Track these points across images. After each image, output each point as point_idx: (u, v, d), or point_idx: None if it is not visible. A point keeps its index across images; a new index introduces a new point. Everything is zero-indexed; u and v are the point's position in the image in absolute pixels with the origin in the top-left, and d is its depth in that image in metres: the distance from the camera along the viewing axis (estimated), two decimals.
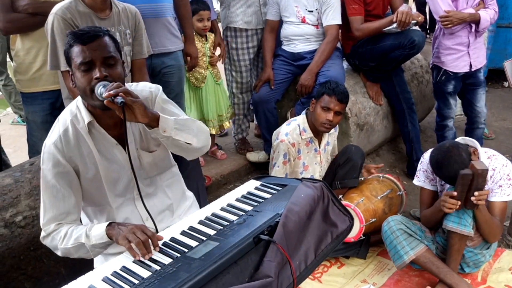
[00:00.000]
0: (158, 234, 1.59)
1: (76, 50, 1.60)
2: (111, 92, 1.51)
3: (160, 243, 1.55)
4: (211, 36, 3.67)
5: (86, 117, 1.70)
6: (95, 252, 1.68)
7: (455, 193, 2.33)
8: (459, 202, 2.34)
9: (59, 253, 1.72)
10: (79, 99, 1.74)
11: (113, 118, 1.71)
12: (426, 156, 2.73)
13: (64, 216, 1.71)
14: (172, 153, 1.97)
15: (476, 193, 2.28)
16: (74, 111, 1.73)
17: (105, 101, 1.52)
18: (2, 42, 4.76)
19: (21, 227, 2.17)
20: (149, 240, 1.52)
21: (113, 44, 1.66)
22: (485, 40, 4.27)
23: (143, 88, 1.83)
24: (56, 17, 2.29)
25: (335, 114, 2.80)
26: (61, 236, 1.68)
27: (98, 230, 1.64)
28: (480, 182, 2.27)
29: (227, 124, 3.91)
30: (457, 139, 2.64)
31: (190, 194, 2.11)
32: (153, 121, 1.63)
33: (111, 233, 1.61)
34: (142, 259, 1.49)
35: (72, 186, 1.72)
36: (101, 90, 1.55)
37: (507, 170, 2.50)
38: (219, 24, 3.90)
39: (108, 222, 1.66)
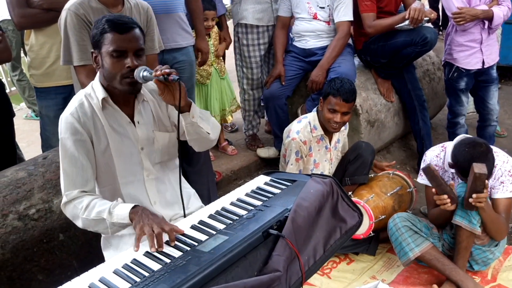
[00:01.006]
0: (178, 227, 1.61)
1: (110, 37, 1.70)
2: (166, 70, 1.63)
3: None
4: (214, 29, 3.68)
5: (101, 93, 1.78)
6: (114, 229, 1.72)
7: (434, 190, 2.39)
8: (446, 196, 2.36)
9: (79, 224, 1.76)
10: (94, 82, 1.84)
11: (127, 98, 1.84)
12: (428, 155, 2.73)
13: (84, 183, 1.77)
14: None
15: (474, 196, 2.27)
16: (89, 91, 1.83)
17: (154, 79, 1.64)
18: (16, 37, 4.81)
19: (34, 219, 2.20)
20: (162, 234, 1.54)
21: (142, 37, 1.77)
22: (498, 37, 4.22)
23: None
24: (69, 13, 2.31)
25: (342, 114, 2.79)
26: (83, 206, 1.72)
27: (122, 210, 1.68)
28: (478, 185, 2.26)
29: (230, 118, 3.95)
30: (459, 137, 2.62)
31: (190, 189, 2.15)
32: (187, 106, 1.76)
33: (133, 217, 1.65)
34: (150, 251, 1.51)
35: (89, 156, 1.79)
36: (144, 73, 1.67)
37: (508, 167, 2.49)
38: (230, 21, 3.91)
39: (133, 205, 1.69)
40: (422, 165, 2.74)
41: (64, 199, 1.77)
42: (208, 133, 1.86)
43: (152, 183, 1.93)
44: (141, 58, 1.74)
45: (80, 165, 1.76)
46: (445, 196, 2.36)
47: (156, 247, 1.51)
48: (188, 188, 2.15)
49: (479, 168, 2.24)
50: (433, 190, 2.39)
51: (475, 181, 2.25)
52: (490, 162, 2.36)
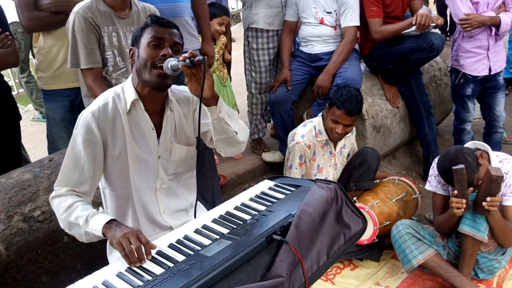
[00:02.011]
0: (152, 242, 1.56)
1: (151, 28, 1.73)
2: (193, 52, 1.60)
3: (154, 251, 1.53)
4: (222, 39, 3.69)
5: (131, 95, 1.76)
6: (87, 238, 1.67)
7: (455, 192, 2.34)
8: (464, 201, 2.33)
9: (59, 222, 1.73)
10: (125, 82, 1.82)
11: (154, 104, 1.81)
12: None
13: (77, 184, 1.74)
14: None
15: (488, 199, 2.27)
16: (118, 91, 1.81)
17: (180, 65, 1.61)
18: (25, 40, 4.84)
19: (39, 221, 2.21)
20: (141, 248, 1.50)
21: (181, 38, 1.78)
22: (506, 44, 4.20)
23: (185, 89, 1.91)
24: (77, 16, 2.33)
25: (345, 126, 2.80)
26: (65, 206, 1.68)
27: (97, 223, 1.62)
28: (493, 188, 2.25)
29: None
30: (468, 144, 2.63)
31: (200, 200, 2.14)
32: (214, 99, 1.70)
33: (106, 232, 1.60)
34: (132, 265, 1.47)
35: (95, 159, 1.76)
36: (172, 62, 1.65)
37: None
38: (238, 24, 3.92)
39: (108, 219, 1.62)
40: (431, 171, 2.74)
41: (52, 193, 1.75)
42: (236, 133, 1.79)
43: (163, 192, 1.91)
44: (177, 55, 1.71)
45: (80, 165, 1.73)
46: (464, 201, 2.34)
47: (139, 261, 1.47)
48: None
49: (495, 171, 2.23)
50: (455, 191, 2.36)
51: (491, 183, 2.24)
52: (468, 169, 2.35)
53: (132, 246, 1.49)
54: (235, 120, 1.82)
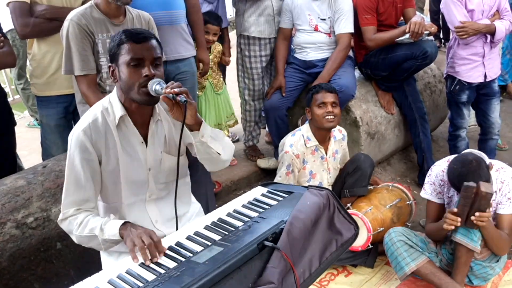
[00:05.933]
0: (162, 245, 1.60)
1: (128, 47, 1.69)
2: (176, 90, 1.61)
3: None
4: (217, 47, 3.68)
5: (119, 110, 1.76)
6: (106, 245, 1.72)
7: (455, 210, 2.33)
8: (459, 219, 2.32)
9: (74, 239, 1.77)
10: (111, 95, 1.81)
11: (142, 117, 1.81)
12: (434, 169, 2.71)
13: (83, 202, 1.76)
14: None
15: (476, 214, 2.26)
16: (106, 105, 1.80)
17: (161, 96, 1.63)
18: (24, 47, 4.84)
19: (32, 228, 2.21)
20: (153, 245, 1.54)
21: (159, 47, 1.76)
22: (500, 51, 4.23)
23: None
24: (72, 23, 2.34)
25: (332, 106, 2.83)
26: (78, 223, 1.72)
27: (112, 227, 1.67)
28: (482, 204, 2.24)
29: (226, 132, 3.95)
30: (465, 152, 2.62)
31: (197, 203, 2.14)
32: (197, 125, 1.74)
33: (123, 233, 1.65)
34: (144, 262, 1.51)
35: (95, 175, 1.77)
36: (156, 87, 1.65)
37: None
38: (233, 31, 3.90)
39: (123, 221, 1.68)
40: (427, 179, 2.73)
41: (60, 216, 1.77)
42: (219, 154, 1.82)
43: (152, 203, 1.91)
44: (158, 68, 1.72)
45: (82, 185, 1.74)
46: (459, 219, 2.33)
47: (150, 258, 1.52)
48: (195, 202, 2.15)
49: (486, 187, 2.21)
50: (455, 209, 2.34)
51: (481, 199, 2.22)
52: (482, 179, 2.30)
53: (144, 244, 1.54)
54: (219, 140, 1.84)
